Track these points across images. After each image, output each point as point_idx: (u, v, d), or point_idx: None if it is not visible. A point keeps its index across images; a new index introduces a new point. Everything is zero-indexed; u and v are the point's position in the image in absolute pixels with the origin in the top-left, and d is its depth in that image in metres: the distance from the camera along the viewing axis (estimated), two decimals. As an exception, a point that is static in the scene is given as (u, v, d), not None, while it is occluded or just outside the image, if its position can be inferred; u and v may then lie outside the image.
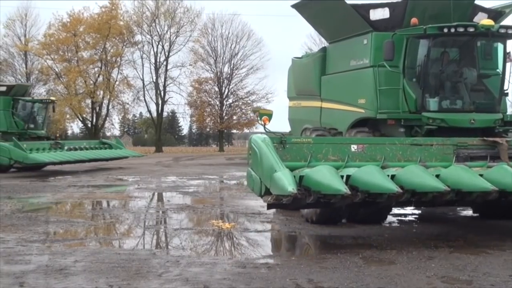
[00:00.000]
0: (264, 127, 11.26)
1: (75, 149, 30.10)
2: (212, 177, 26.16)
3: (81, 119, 63.95)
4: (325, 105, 14.70)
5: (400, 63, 12.27)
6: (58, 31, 62.79)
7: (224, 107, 67.51)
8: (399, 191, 8.94)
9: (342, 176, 9.24)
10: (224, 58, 68.09)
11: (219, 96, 67.28)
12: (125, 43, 64.10)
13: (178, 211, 14.40)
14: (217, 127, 67.57)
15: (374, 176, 9.21)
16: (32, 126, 31.06)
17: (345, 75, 13.79)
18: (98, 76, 62.03)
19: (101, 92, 61.05)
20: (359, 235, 10.76)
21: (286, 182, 8.65)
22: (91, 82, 61.77)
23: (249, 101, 68.73)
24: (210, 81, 67.96)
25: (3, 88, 30.77)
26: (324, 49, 15.35)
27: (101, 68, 63.09)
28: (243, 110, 69.13)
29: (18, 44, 66.15)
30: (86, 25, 62.03)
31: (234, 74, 68.42)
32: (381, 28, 12.73)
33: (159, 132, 66.02)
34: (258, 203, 16.15)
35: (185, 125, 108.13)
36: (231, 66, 68.27)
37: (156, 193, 19.31)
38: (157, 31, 65.29)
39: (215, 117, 67.31)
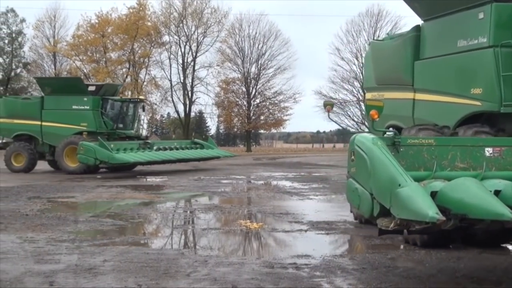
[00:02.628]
0: (328, 115, 10.69)
1: (165, 149, 30.04)
2: (239, 177, 26.20)
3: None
4: (420, 96, 12.18)
5: None
6: (87, 32, 63.37)
7: (251, 107, 67.64)
8: None
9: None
10: (251, 58, 68.28)
11: (246, 96, 67.42)
12: (152, 44, 64.50)
13: (206, 211, 14.43)
14: (244, 127, 67.70)
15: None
16: (121, 126, 30.83)
17: (450, 59, 11.28)
18: (126, 77, 62.48)
19: (129, 92, 61.48)
20: (387, 235, 10.70)
21: (423, 203, 6.43)
22: (119, 82, 62.16)
23: (276, 101, 68.81)
24: (237, 81, 68.18)
25: (93, 88, 30.69)
26: (417, 28, 12.40)
27: (129, 68, 63.55)
28: (271, 110, 69.21)
29: (47, 45, 66.88)
30: (114, 26, 62.50)
31: (261, 74, 68.56)
32: None
33: (186, 132, 66.27)
34: (286, 204, 16.16)
35: (212, 125, 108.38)
36: (258, 66, 68.42)
37: (183, 193, 19.36)
38: (185, 31, 65.62)
39: (242, 117, 67.48)
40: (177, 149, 30.98)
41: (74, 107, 29.53)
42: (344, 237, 10.85)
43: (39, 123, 29.85)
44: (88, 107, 29.41)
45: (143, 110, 36.01)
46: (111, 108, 30.47)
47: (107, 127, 29.96)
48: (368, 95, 14.17)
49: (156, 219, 13.53)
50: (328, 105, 11.04)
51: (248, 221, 12.71)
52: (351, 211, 11.99)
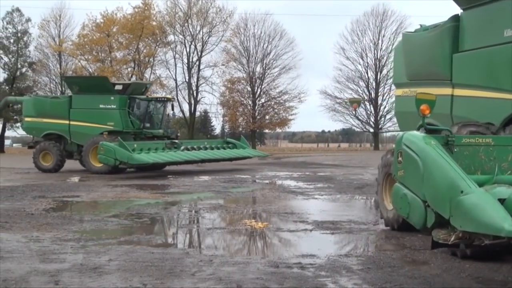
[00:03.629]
0: (355, 114, 10.41)
1: (192, 149, 29.64)
2: (244, 176, 26.19)
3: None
4: (460, 92, 11.17)
5: None
6: (92, 32, 63.43)
7: (256, 107, 67.62)
8: None
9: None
10: (256, 58, 68.30)
11: (251, 95, 67.41)
12: (158, 43, 64.52)
13: (210, 211, 14.43)
14: (249, 127, 67.64)
15: None
16: (147, 125, 30.61)
17: (495, 50, 10.24)
18: (131, 76, 62.46)
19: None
20: (392, 235, 10.69)
21: (495, 214, 5.57)
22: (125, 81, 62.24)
23: (281, 101, 68.79)
24: (242, 81, 68.17)
25: (120, 87, 30.41)
26: (455, 18, 11.38)
27: (134, 68, 63.56)
28: (276, 110, 69.19)
29: (52, 44, 66.98)
30: (119, 26, 62.54)
31: (266, 73, 68.54)
32: None
33: (191, 131, 66.23)
34: (291, 203, 16.16)
35: (217, 124, 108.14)
36: (264, 66, 68.41)
37: (188, 192, 19.36)
38: (190, 31, 65.61)
39: (247, 116, 67.43)
40: (206, 149, 30.45)
41: (101, 106, 29.40)
42: (349, 236, 10.83)
43: (67, 122, 29.84)
44: (114, 106, 29.23)
45: (172, 109, 35.71)
46: (138, 107, 30.20)
47: (134, 126, 29.69)
48: (398, 92, 13.07)
49: (161, 218, 13.54)
50: (355, 103, 10.92)
51: (253, 220, 12.71)
52: (381, 217, 11.13)
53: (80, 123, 29.57)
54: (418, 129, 7.98)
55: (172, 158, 27.65)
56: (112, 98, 29.34)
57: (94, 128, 29.20)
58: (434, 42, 11.78)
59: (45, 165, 29.55)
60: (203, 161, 29.61)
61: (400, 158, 7.06)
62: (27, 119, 31.51)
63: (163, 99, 32.99)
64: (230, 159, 31.68)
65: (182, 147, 29.21)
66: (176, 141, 29.85)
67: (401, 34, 13.06)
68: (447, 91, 11.38)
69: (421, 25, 12.89)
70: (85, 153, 28.59)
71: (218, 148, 31.38)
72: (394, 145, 7.82)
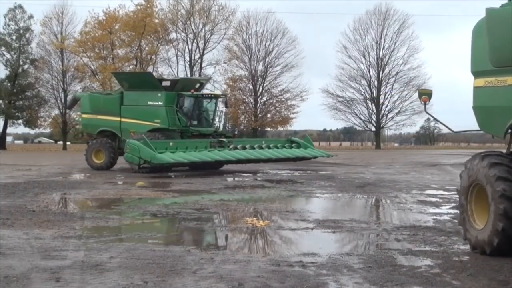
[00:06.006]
0: (425, 108, 9.51)
1: (243, 148, 27.90)
2: (245, 175, 26.18)
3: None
4: None
5: None
6: (94, 29, 63.52)
7: (258, 105, 67.63)
8: None
9: None
10: (258, 56, 68.35)
11: (253, 94, 67.46)
12: (160, 41, 64.61)
13: (212, 209, 14.43)
14: (251, 125, 67.69)
15: None
16: (195, 123, 29.43)
17: None
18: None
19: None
20: (395, 235, 10.69)
21: None
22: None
23: (283, 99, 68.83)
24: (244, 79, 68.26)
25: (167, 83, 29.82)
26: None
27: (136, 65, 63.60)
28: (277, 108, 69.22)
29: (54, 41, 67.03)
30: (122, 23, 62.63)
31: (268, 72, 68.60)
32: None
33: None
34: (292, 201, 16.16)
35: (218, 122, 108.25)
36: (266, 64, 68.47)
37: (189, 190, 19.35)
38: (192, 29, 65.70)
39: (249, 114, 67.51)
40: (262, 148, 28.70)
41: (149, 103, 28.89)
42: (351, 235, 10.83)
43: (118, 119, 29.36)
44: (161, 103, 28.60)
45: (226, 106, 34.49)
46: (186, 104, 29.17)
47: (181, 124, 28.79)
48: (479, 82, 9.79)
49: (162, 216, 13.53)
50: (425, 95, 9.37)
51: (254, 219, 12.69)
52: (465, 238, 9.20)
53: (130, 120, 29.03)
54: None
55: (199, 158, 25.64)
56: (159, 94, 28.70)
57: (142, 125, 28.61)
58: None
59: (97, 163, 28.93)
60: (239, 161, 27.55)
61: None
62: (84, 115, 31.19)
63: (211, 95, 31.81)
64: (280, 159, 29.42)
65: (231, 146, 27.59)
66: (224, 139, 28.08)
67: (485, 10, 9.68)
68: None
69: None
70: None
71: (278, 147, 29.51)
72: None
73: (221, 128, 31.33)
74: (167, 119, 28.43)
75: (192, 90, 29.05)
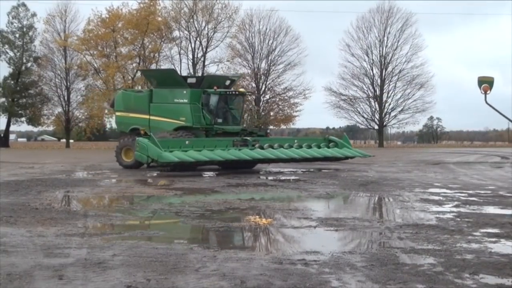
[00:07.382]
0: (485, 99, 8.47)
1: (270, 147, 26.92)
2: (248, 173, 26.19)
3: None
4: None
5: None
6: (97, 27, 63.69)
7: (261, 103, 67.60)
8: None
9: None
10: (261, 54, 68.47)
11: (256, 92, 67.41)
12: (163, 39, 64.71)
13: (214, 206, 14.42)
14: (254, 123, 67.70)
15: None
16: (219, 120, 28.91)
17: None
18: (136, 72, 62.58)
19: (139, 87, 61.64)
20: (398, 233, 10.68)
21: None
22: (129, 77, 62.34)
23: (286, 97, 68.85)
24: (247, 77, 68.15)
25: (193, 80, 29.72)
26: None
27: (139, 63, 63.75)
28: (280, 106, 69.24)
29: (57, 39, 67.24)
30: (125, 21, 62.75)
31: (271, 70, 68.68)
32: None
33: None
34: (295, 200, 16.15)
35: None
36: (269, 62, 68.59)
37: (192, 188, 19.35)
38: (195, 27, 65.78)
39: (252, 113, 67.46)
40: (291, 147, 27.69)
41: (175, 100, 28.74)
42: (353, 233, 10.82)
43: (147, 117, 29.24)
44: (186, 101, 28.35)
45: (255, 104, 33.94)
46: (211, 101, 28.66)
47: (206, 122, 28.39)
48: None
49: (165, 214, 13.55)
50: (485, 83, 8.77)
51: (257, 217, 12.70)
52: None
53: (158, 118, 28.89)
54: None
55: (209, 157, 24.82)
56: (185, 92, 28.50)
57: (169, 123, 28.46)
58: None
59: (127, 161, 28.70)
60: (261, 160, 26.89)
61: None
62: (117, 113, 31.14)
63: (236, 92, 30.64)
64: (306, 159, 28.31)
65: (257, 145, 26.80)
66: (248, 138, 27.39)
67: None
68: None
69: None
70: None
71: (310, 147, 28.40)
72: None
73: (248, 126, 30.64)
74: (191, 117, 28.19)
75: (215, 87, 28.61)
